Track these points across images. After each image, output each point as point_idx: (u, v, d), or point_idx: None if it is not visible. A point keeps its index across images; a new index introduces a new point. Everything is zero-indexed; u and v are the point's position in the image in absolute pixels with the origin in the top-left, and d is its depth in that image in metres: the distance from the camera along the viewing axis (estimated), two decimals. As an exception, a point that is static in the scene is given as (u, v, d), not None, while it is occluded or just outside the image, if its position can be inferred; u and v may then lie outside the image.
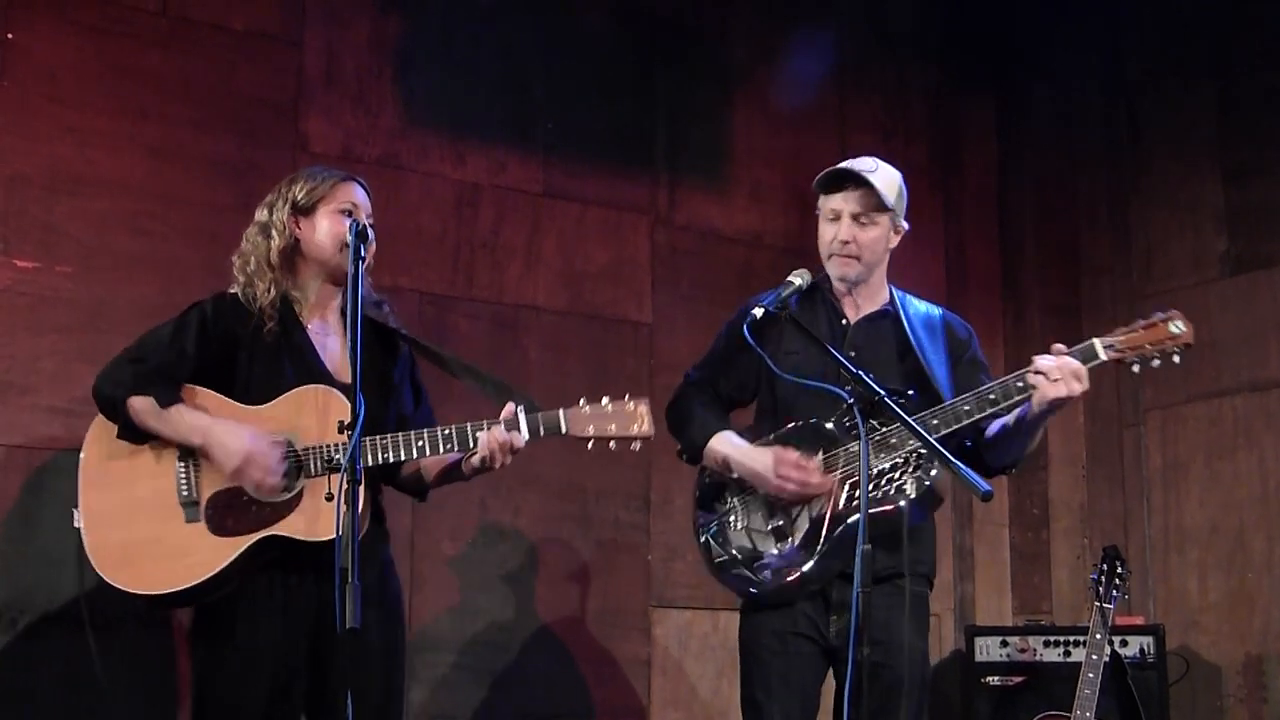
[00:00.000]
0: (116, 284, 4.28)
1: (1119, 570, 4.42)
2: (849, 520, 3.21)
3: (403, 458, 3.14)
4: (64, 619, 4.05)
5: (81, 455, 3.24)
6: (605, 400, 3.19)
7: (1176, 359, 3.13)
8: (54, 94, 4.28)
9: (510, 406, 3.16)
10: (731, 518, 3.41)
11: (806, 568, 3.25)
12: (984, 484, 2.85)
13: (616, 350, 5.12)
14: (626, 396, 3.19)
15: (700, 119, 5.48)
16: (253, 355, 3.24)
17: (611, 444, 3.18)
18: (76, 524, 3.18)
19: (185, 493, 3.15)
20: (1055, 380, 3.10)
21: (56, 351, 4.17)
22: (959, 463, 2.93)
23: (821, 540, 3.23)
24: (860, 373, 3.06)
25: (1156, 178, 5.61)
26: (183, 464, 3.17)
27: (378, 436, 3.13)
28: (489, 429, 3.13)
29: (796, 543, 3.29)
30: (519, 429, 3.13)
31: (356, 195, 3.35)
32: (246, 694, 3.11)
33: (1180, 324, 3.11)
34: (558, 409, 3.18)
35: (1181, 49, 5.56)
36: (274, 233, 3.31)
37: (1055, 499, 5.73)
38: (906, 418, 3.00)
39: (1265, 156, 5.23)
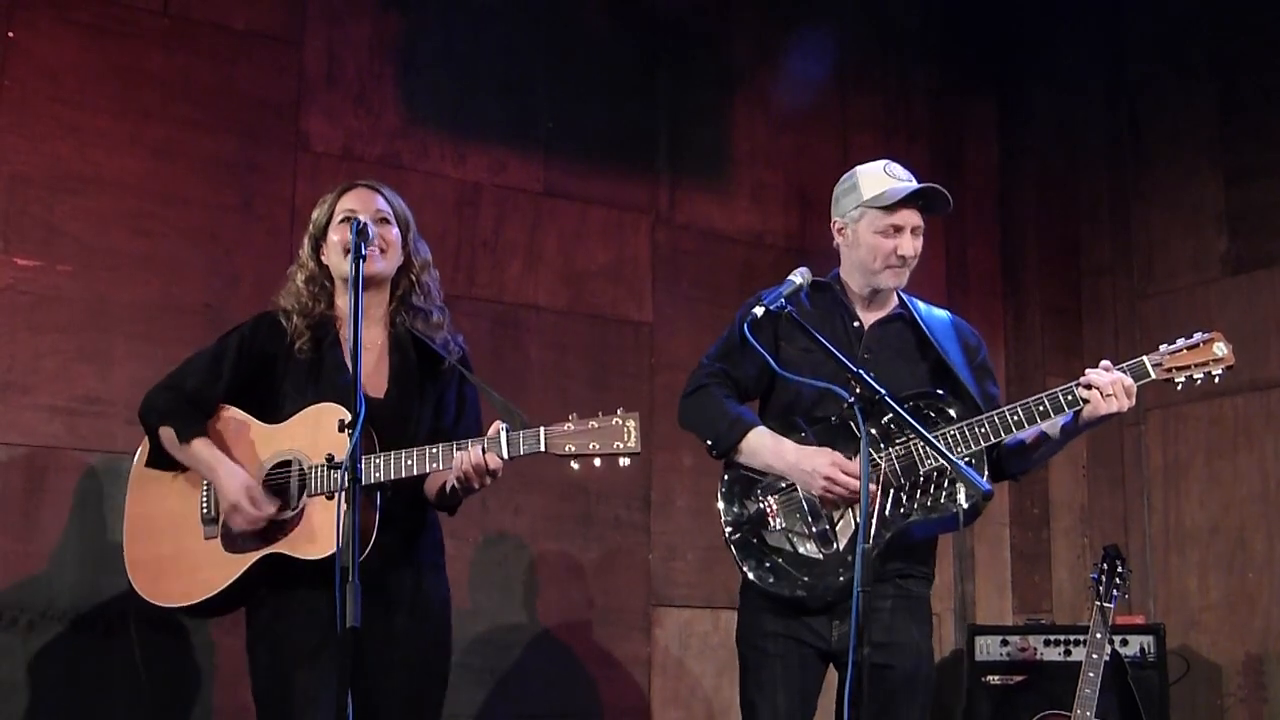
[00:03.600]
0: (117, 283, 4.29)
1: (1119, 569, 4.42)
2: (899, 525, 3.20)
3: (391, 476, 3.10)
4: (63, 618, 4.06)
5: (131, 468, 3.37)
6: (596, 416, 3.06)
7: (1217, 379, 3.21)
8: (55, 94, 4.28)
9: (495, 425, 3.10)
10: (767, 518, 3.33)
11: (854, 572, 3.21)
12: (985, 484, 2.87)
13: (617, 350, 5.12)
14: (618, 411, 3.06)
15: (701, 119, 5.48)
16: (287, 373, 3.30)
17: (596, 461, 3.06)
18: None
19: (206, 510, 3.24)
20: (1108, 396, 3.13)
21: (57, 350, 4.18)
22: (959, 462, 2.94)
23: (858, 539, 3.20)
24: (861, 372, 3.06)
25: (1157, 178, 5.61)
26: (207, 482, 3.25)
27: (374, 455, 3.10)
28: (469, 449, 3.08)
29: (841, 547, 3.24)
30: (498, 449, 3.07)
31: (355, 200, 3.35)
32: (297, 698, 3.11)
33: (1223, 345, 3.21)
34: (539, 427, 3.07)
35: (1182, 49, 5.56)
36: (301, 267, 3.38)
37: (1056, 498, 5.74)
38: (906, 415, 3.00)
39: (1266, 157, 5.23)
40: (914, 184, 3.40)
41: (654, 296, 5.24)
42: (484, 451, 3.07)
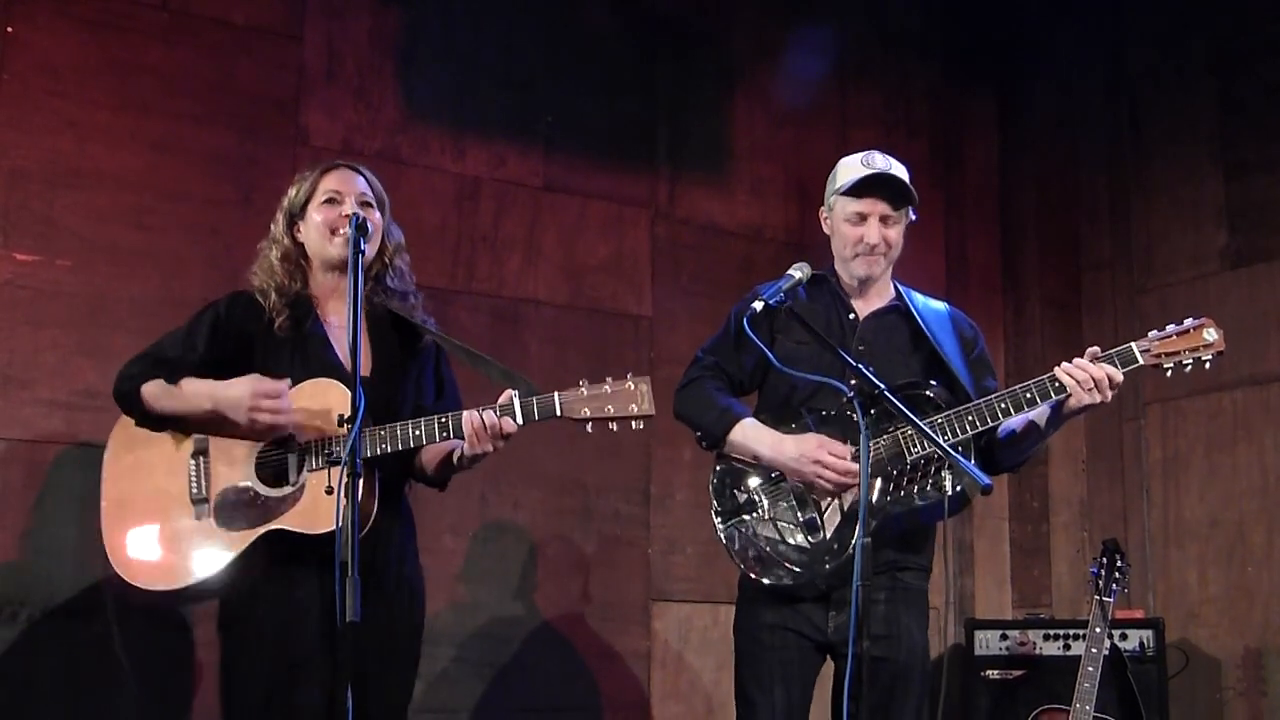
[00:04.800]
0: (117, 278, 4.29)
1: (1119, 564, 4.42)
2: (884, 513, 3.21)
3: (399, 447, 3.10)
4: (64, 612, 4.06)
5: (105, 452, 3.27)
6: (606, 381, 3.12)
7: (1208, 365, 3.19)
8: (55, 88, 4.28)
9: (507, 393, 3.12)
10: (755, 507, 3.35)
11: (841, 560, 3.23)
12: (985, 478, 2.86)
13: (616, 344, 5.12)
14: (628, 375, 3.11)
15: (701, 114, 5.48)
16: (266, 350, 3.26)
17: (612, 425, 3.11)
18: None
19: (195, 490, 3.18)
20: (1090, 388, 3.14)
21: (57, 345, 4.18)
22: (960, 457, 2.94)
23: (857, 533, 3.22)
24: (860, 366, 3.06)
25: (1157, 173, 5.61)
26: (194, 461, 3.20)
27: (377, 427, 3.10)
28: (482, 413, 3.09)
29: (828, 535, 3.26)
30: (512, 414, 3.09)
31: (338, 181, 3.34)
32: (266, 681, 3.10)
33: (1213, 331, 3.18)
34: (553, 393, 3.11)
35: (1182, 45, 5.56)
36: (275, 244, 3.35)
37: (1055, 493, 5.74)
38: (908, 412, 3.00)
39: (1266, 153, 5.23)
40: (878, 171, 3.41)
41: (653, 291, 5.24)
42: (498, 416, 3.08)
